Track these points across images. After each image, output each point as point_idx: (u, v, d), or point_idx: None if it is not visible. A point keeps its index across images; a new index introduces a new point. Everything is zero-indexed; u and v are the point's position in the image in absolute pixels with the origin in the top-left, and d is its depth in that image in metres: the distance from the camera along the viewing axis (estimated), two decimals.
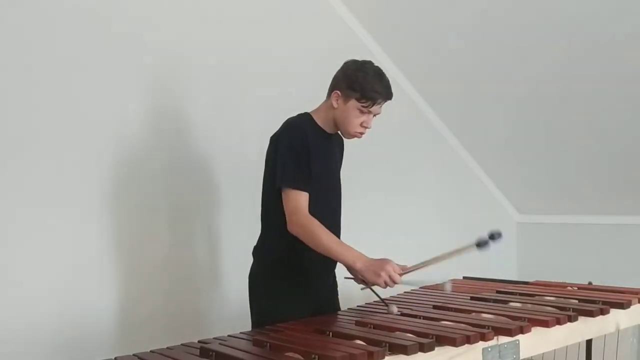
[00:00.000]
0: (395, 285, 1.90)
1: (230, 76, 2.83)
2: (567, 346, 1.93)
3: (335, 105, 2.03)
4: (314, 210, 1.96)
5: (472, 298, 2.19)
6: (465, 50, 3.26)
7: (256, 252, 2.13)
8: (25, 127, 2.23)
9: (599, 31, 2.79)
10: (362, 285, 2.03)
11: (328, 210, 2.09)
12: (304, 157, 1.97)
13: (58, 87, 2.32)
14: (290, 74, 3.00)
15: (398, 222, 3.46)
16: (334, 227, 2.13)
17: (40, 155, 2.26)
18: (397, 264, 1.91)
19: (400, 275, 1.89)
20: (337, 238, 1.97)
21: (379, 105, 2.02)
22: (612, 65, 2.90)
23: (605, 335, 2.07)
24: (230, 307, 2.68)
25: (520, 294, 2.24)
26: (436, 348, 1.47)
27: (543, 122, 3.43)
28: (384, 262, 1.89)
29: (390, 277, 1.87)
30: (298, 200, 1.94)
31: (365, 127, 2.05)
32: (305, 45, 3.09)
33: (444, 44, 3.29)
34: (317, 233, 1.91)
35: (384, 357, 1.39)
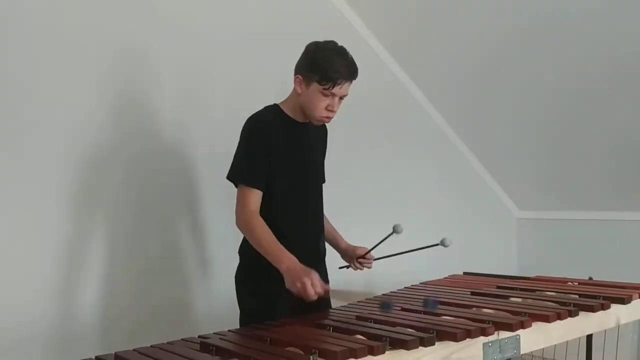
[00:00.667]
0: (310, 298, 1.80)
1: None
2: (567, 341, 1.93)
3: (299, 90, 1.97)
4: (287, 199, 1.95)
5: (472, 293, 2.19)
6: (465, 46, 3.25)
7: (241, 250, 2.10)
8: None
9: (599, 31, 2.79)
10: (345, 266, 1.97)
11: (303, 202, 2.05)
12: (261, 153, 1.95)
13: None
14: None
15: (397, 218, 3.45)
16: (313, 218, 2.10)
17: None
18: (319, 282, 1.81)
19: (317, 293, 1.79)
20: (276, 240, 1.89)
21: (340, 86, 1.93)
22: (612, 64, 2.90)
23: (605, 330, 2.07)
24: (217, 305, 2.65)
25: (521, 289, 2.23)
26: (437, 343, 1.47)
27: (543, 119, 3.43)
28: (305, 272, 1.81)
29: (304, 289, 1.78)
30: (246, 197, 1.92)
31: (331, 111, 1.97)
32: (299, 39, 3.03)
33: (445, 40, 3.28)
34: (257, 232, 1.89)
35: (384, 352, 1.39)
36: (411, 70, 3.57)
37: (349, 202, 3.04)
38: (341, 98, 1.98)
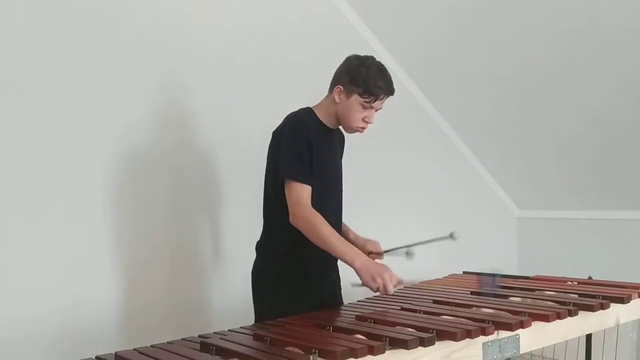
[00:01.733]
0: (389, 292, 1.90)
1: (234, 70, 2.82)
2: (567, 341, 1.93)
3: (337, 100, 2.04)
4: (316, 205, 1.96)
5: (472, 293, 2.19)
6: (466, 47, 3.26)
7: (259, 247, 2.13)
8: (22, 122, 2.23)
9: (597, 27, 2.79)
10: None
11: (331, 205, 2.09)
12: (307, 152, 1.98)
13: (58, 81, 2.31)
14: (294, 69, 2.99)
15: (397, 217, 3.46)
16: (337, 222, 2.14)
17: (38, 151, 2.26)
18: (394, 275, 1.90)
19: (395, 286, 1.90)
20: (338, 234, 1.97)
21: (381, 101, 2.03)
22: (612, 62, 2.90)
23: (605, 329, 2.07)
24: (231, 302, 2.68)
25: (521, 289, 2.23)
26: (437, 342, 1.47)
27: (543, 118, 3.43)
28: (383, 268, 1.90)
29: (384, 285, 1.87)
30: (301, 193, 1.94)
31: (367, 122, 2.06)
32: (311, 44, 3.11)
33: (446, 40, 3.28)
34: (320, 227, 1.91)
35: (384, 352, 1.39)
36: (411, 70, 3.57)
37: (349, 201, 3.04)
38: (376, 110, 2.07)
